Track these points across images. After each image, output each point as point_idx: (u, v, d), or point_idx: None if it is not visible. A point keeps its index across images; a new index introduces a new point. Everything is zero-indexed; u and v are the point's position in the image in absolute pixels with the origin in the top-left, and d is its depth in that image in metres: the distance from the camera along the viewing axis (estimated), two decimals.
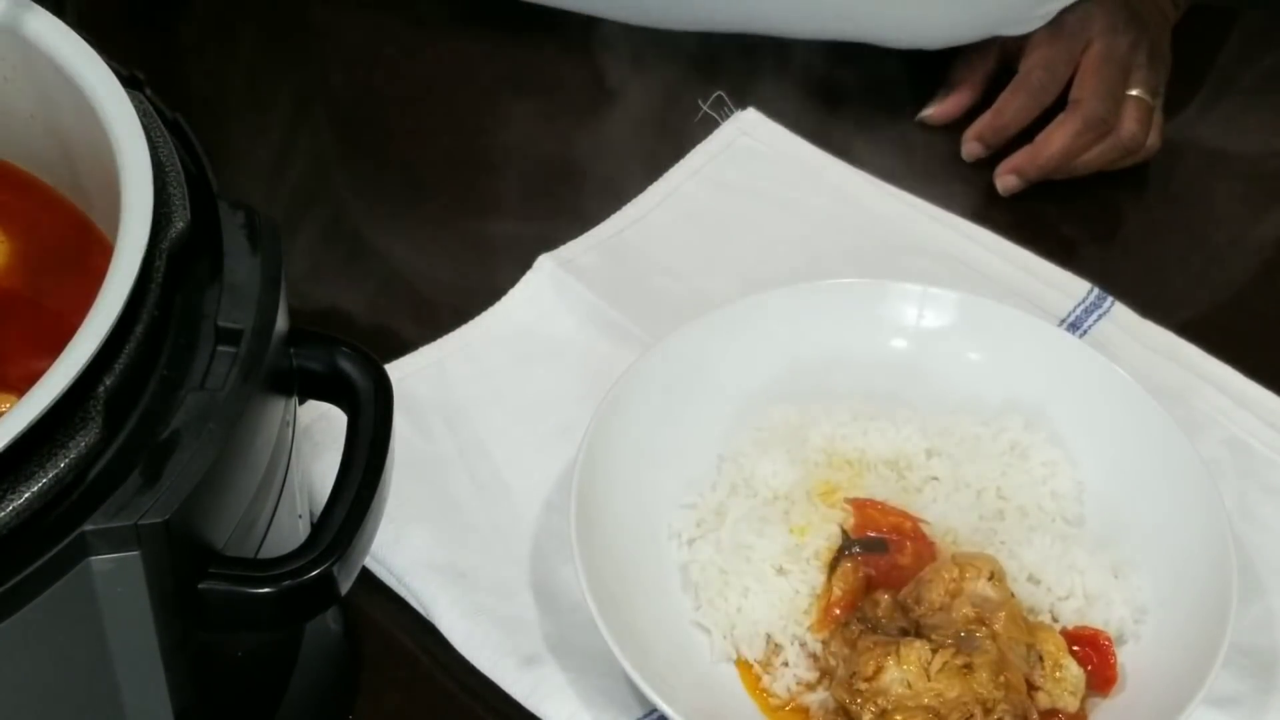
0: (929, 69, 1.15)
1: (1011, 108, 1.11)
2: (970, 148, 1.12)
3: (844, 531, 0.86)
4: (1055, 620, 0.85)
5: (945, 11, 1.10)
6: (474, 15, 1.18)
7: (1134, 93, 1.09)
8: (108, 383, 0.61)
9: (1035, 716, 0.81)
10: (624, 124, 1.14)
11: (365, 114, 1.15)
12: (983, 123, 1.11)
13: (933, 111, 1.14)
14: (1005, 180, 1.10)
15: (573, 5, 1.15)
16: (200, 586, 0.64)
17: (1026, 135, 1.10)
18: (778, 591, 0.85)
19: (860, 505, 0.87)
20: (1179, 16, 1.18)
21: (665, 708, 0.78)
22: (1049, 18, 1.10)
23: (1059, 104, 1.10)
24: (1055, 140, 1.08)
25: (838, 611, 0.84)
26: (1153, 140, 1.10)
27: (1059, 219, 1.10)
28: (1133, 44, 1.10)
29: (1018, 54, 1.13)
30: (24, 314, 0.71)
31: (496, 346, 0.98)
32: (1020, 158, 1.09)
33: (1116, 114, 1.09)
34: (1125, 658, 0.85)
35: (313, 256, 1.02)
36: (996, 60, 1.14)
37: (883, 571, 0.85)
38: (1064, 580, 0.86)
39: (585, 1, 1.15)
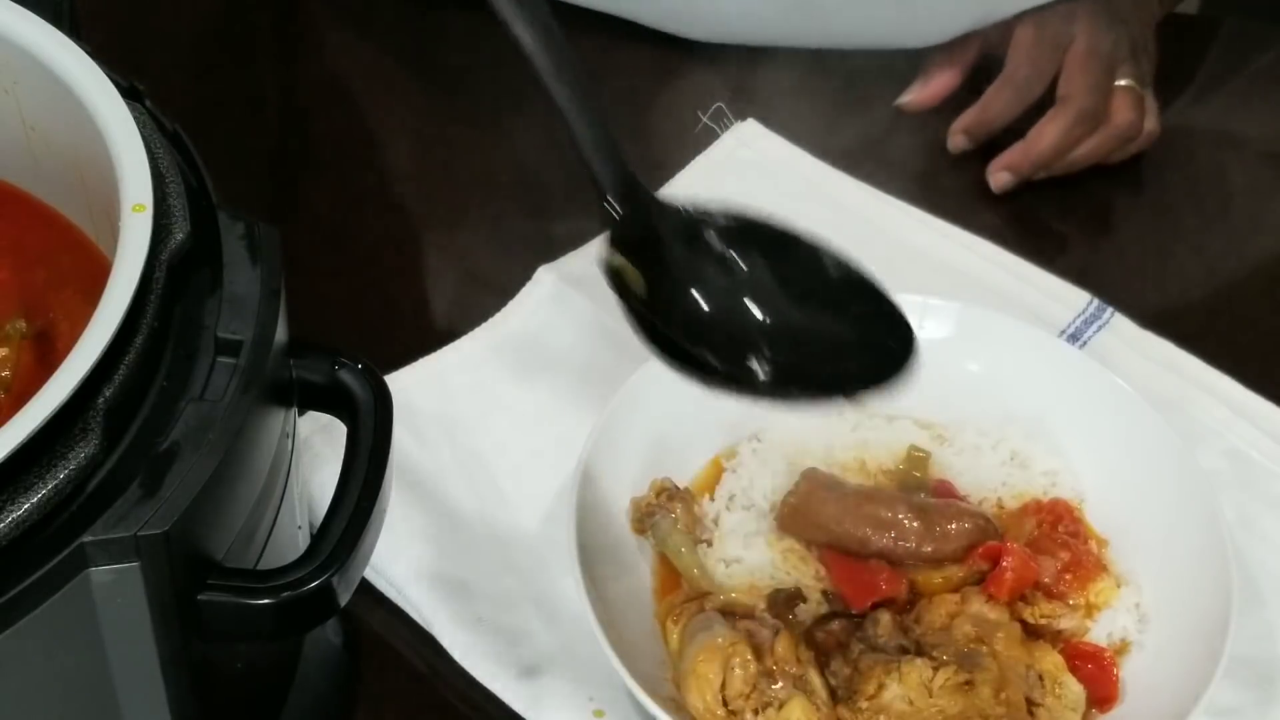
0: None
1: (998, 103, 1.11)
2: (956, 140, 1.12)
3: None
4: (1056, 632, 0.85)
5: (931, 9, 1.11)
6: (475, 29, 1.18)
7: (1122, 83, 1.10)
8: (107, 394, 0.61)
9: None
10: (623, 136, 1.13)
11: (365, 127, 1.15)
12: (969, 117, 1.12)
13: (910, 98, 1.14)
14: (999, 177, 1.10)
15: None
16: (200, 598, 0.64)
17: (1013, 132, 1.11)
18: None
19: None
20: (1163, 15, 1.18)
21: (665, 719, 0.78)
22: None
23: (1043, 102, 1.11)
24: (1047, 135, 1.09)
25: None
26: (1150, 125, 1.11)
27: (1058, 221, 1.11)
28: (1115, 41, 1.11)
29: (999, 47, 1.13)
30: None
31: (496, 358, 0.98)
32: (1013, 154, 1.10)
33: (1106, 106, 1.09)
34: (1126, 669, 0.84)
35: (312, 268, 1.02)
36: (977, 52, 1.14)
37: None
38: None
39: None
